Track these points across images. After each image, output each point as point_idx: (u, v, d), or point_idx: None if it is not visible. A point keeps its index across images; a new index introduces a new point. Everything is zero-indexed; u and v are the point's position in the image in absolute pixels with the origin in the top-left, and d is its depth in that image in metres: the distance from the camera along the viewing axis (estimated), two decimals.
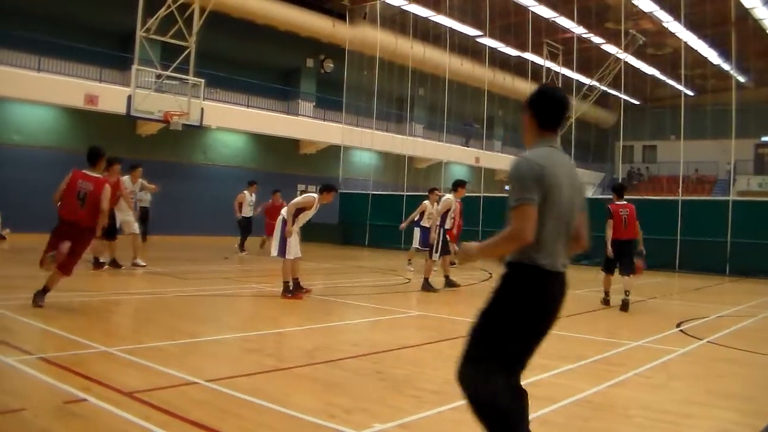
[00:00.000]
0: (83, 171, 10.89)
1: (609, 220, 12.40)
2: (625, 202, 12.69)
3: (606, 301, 12.76)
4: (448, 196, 14.37)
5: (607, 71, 37.90)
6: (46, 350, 6.61)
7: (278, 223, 11.80)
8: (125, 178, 15.41)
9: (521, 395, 3.98)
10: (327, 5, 33.28)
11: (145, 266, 15.27)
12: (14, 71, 22.65)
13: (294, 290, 11.66)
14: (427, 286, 13.71)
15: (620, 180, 36.77)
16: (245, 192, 21.36)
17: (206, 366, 6.49)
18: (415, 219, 18.53)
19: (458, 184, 14.72)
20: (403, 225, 19.25)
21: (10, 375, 5.79)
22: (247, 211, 21.27)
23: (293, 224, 11.48)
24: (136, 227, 15.48)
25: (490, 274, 18.58)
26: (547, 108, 3.89)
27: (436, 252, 14.06)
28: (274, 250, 11.70)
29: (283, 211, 11.83)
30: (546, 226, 3.64)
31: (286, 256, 11.48)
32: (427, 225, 18.51)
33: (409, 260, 18.79)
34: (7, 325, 7.97)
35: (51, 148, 24.46)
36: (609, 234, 12.37)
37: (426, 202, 18.56)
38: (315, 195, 11.85)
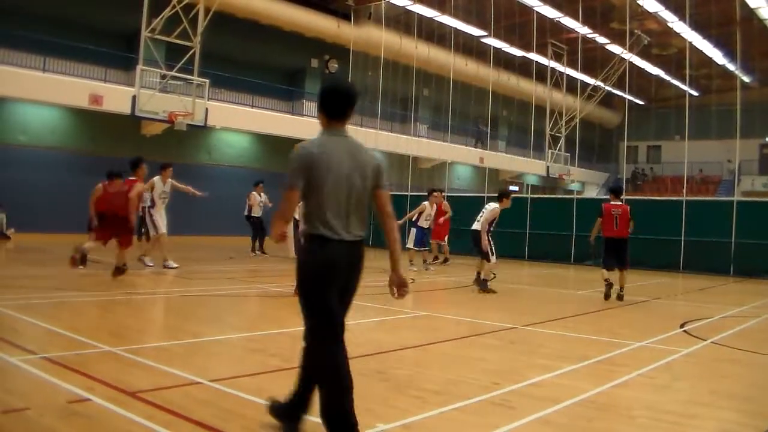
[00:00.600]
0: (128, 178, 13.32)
1: (599, 218, 13.56)
2: (619, 203, 13.60)
3: (608, 287, 13.32)
4: (495, 205, 14.52)
5: (612, 71, 37.85)
6: (50, 350, 6.62)
7: (290, 224, 11.81)
8: (156, 179, 15.50)
9: (342, 352, 4.49)
10: (332, 5, 33.30)
11: (177, 267, 15.40)
12: (19, 71, 22.68)
13: None
14: (484, 287, 14.03)
15: (624, 180, 36.67)
16: (254, 192, 21.25)
17: (210, 366, 6.50)
18: (413, 219, 18.67)
19: (505, 195, 14.86)
20: (400, 222, 19.23)
21: (14, 374, 5.80)
22: (257, 211, 21.13)
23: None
24: (163, 228, 15.50)
25: (494, 274, 18.56)
26: (329, 100, 4.46)
27: (493, 255, 14.24)
28: (291, 251, 11.86)
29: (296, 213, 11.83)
30: (323, 202, 4.27)
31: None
32: (425, 225, 18.61)
33: (411, 261, 18.81)
34: (12, 325, 7.99)
35: (55, 148, 24.52)
36: (595, 230, 13.69)
37: (425, 203, 18.66)
38: None
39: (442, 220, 20.00)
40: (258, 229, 21.20)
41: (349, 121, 4.57)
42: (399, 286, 4.80)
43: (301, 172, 4.23)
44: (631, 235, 13.66)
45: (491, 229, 14.35)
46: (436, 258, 20.39)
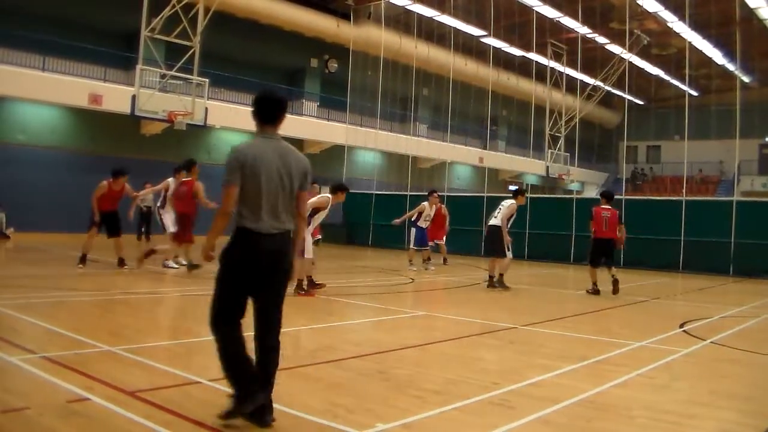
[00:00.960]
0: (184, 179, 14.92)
1: (591, 221, 14.52)
2: (609, 207, 14.39)
3: (595, 291, 14.16)
4: (512, 201, 14.67)
5: (612, 71, 37.88)
6: (49, 349, 6.61)
7: (305, 225, 11.87)
8: (170, 180, 15.53)
9: (241, 336, 4.85)
10: (331, 5, 33.32)
11: (182, 266, 15.42)
12: (19, 71, 22.70)
13: (308, 287, 11.97)
14: (502, 284, 14.42)
15: (624, 180, 36.69)
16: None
17: (209, 365, 6.47)
18: (413, 218, 18.71)
19: (520, 192, 15.22)
20: (398, 221, 19.39)
21: (13, 374, 5.80)
22: None
23: (309, 224, 11.61)
24: (172, 227, 15.50)
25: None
26: (262, 107, 5.01)
27: (509, 250, 14.56)
28: (309, 252, 11.94)
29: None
30: (252, 199, 4.73)
31: (306, 256, 11.71)
32: (424, 225, 18.63)
33: (410, 260, 18.83)
34: (11, 324, 7.99)
35: (55, 147, 24.52)
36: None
37: (425, 203, 18.68)
38: (329, 195, 12.13)
39: (447, 225, 20.48)
40: None
41: (279, 126, 5.03)
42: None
43: (237, 170, 4.72)
44: (627, 237, 14.67)
45: (509, 226, 14.61)
46: (428, 259, 20.28)
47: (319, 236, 15.36)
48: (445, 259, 20.82)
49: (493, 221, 14.58)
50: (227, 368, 4.78)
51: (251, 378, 4.70)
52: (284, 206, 4.86)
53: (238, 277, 4.78)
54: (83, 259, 14.35)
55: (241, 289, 4.80)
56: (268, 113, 5.00)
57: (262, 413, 4.66)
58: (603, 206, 14.38)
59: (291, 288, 11.52)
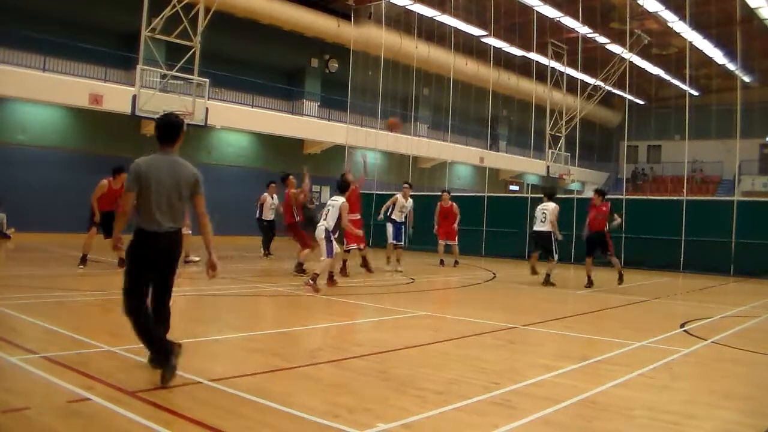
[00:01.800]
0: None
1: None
2: (602, 202, 15.95)
3: (590, 283, 15.42)
4: (555, 204, 16.01)
5: (612, 71, 37.84)
6: (49, 349, 6.62)
7: (323, 229, 12.92)
8: None
9: (148, 314, 5.91)
10: (332, 5, 33.32)
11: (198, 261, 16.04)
12: (19, 71, 22.70)
13: (330, 279, 13.65)
14: (547, 281, 15.53)
15: (624, 180, 36.62)
16: (266, 194, 20.38)
17: (210, 366, 6.50)
18: (388, 212, 18.43)
19: (556, 193, 17.01)
20: (380, 215, 19.15)
21: (14, 374, 5.81)
22: (269, 215, 20.33)
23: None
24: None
25: (494, 274, 18.57)
26: (158, 131, 6.04)
27: (557, 253, 15.82)
28: (323, 254, 12.70)
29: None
30: (147, 205, 5.79)
31: (333, 255, 12.94)
32: (398, 219, 18.47)
33: (388, 258, 18.60)
34: (12, 324, 7.99)
35: (55, 147, 24.52)
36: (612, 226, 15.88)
37: (398, 194, 18.57)
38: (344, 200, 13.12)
39: (456, 225, 20.57)
40: (269, 231, 20.56)
41: (177, 145, 6.08)
42: (211, 268, 6.13)
43: (135, 180, 5.79)
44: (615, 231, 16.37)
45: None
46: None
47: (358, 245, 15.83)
48: (456, 261, 20.45)
49: (540, 226, 15.69)
50: (143, 339, 5.81)
51: (163, 340, 5.82)
52: (173, 210, 5.91)
53: (139, 268, 5.83)
54: (84, 260, 14.36)
55: (142, 277, 5.84)
56: (162, 135, 6.02)
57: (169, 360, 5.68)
58: (596, 203, 15.98)
59: (282, 288, 11.58)
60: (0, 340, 6.92)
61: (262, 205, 20.38)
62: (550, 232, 15.49)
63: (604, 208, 15.80)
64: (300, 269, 15.46)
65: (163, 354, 5.71)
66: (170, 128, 6.06)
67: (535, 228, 15.92)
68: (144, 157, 5.91)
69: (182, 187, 5.93)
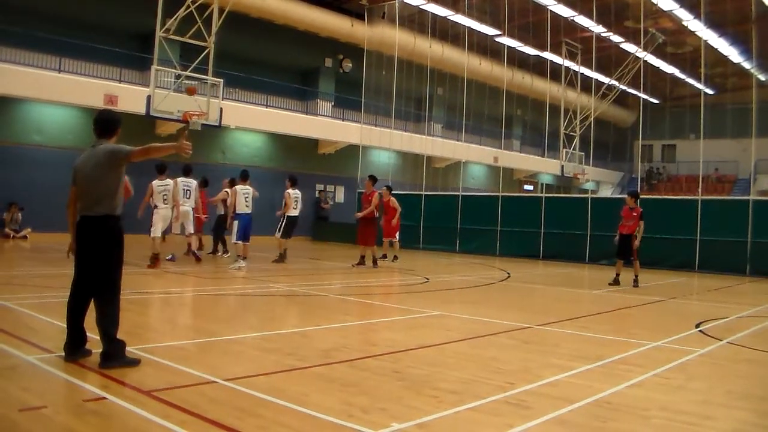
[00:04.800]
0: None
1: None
2: (635, 206, 15.95)
3: (615, 281, 15.95)
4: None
5: (626, 70, 37.70)
6: None
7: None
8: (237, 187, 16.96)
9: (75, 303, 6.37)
10: (346, 5, 33.34)
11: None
12: (35, 72, 22.84)
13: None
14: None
15: (639, 180, 36.55)
16: (289, 190, 19.91)
17: (225, 365, 6.52)
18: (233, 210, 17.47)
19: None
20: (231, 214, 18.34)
21: (30, 373, 5.85)
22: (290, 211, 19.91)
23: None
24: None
25: (509, 273, 18.54)
26: (94, 124, 6.67)
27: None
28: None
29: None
30: (78, 194, 6.43)
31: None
32: (246, 211, 18.30)
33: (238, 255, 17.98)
34: (29, 324, 8.05)
35: (71, 148, 24.57)
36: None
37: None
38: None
39: (395, 220, 20.64)
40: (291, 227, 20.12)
41: (111, 137, 6.61)
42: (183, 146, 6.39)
43: (73, 172, 6.56)
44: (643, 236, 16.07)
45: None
46: (384, 256, 20.39)
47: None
48: (395, 257, 20.66)
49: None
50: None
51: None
52: (96, 195, 6.27)
53: (77, 255, 6.46)
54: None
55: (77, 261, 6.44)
56: (95, 128, 6.64)
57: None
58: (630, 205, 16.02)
59: (297, 288, 11.58)
60: (17, 339, 6.97)
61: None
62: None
63: (635, 213, 15.85)
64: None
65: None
66: (95, 122, 6.68)
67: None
68: (84, 152, 6.65)
69: (96, 166, 6.32)
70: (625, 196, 16.98)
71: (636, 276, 15.98)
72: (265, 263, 18.08)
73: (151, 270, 14.87)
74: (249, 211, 16.71)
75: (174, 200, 16.54)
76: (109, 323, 6.12)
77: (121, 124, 6.73)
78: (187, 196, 17.06)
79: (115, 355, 6.02)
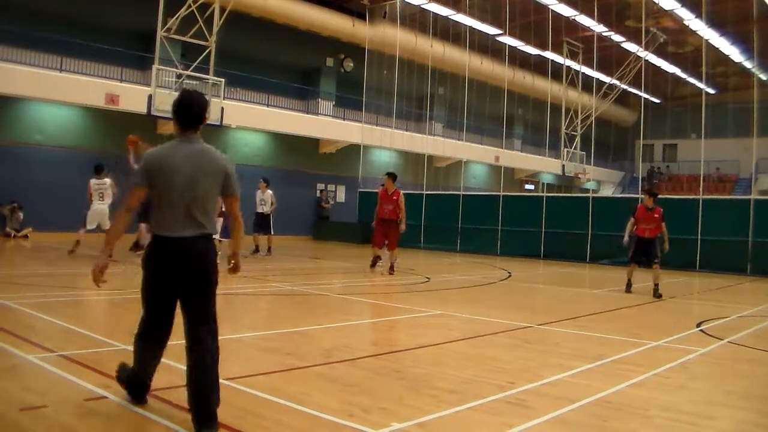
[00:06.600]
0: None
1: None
2: (654, 206, 14.12)
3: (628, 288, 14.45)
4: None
5: (628, 69, 37.71)
6: (67, 348, 6.66)
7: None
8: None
9: (155, 344, 5.00)
10: (347, 4, 33.32)
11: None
12: (36, 71, 22.85)
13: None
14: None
15: (639, 179, 36.54)
16: (269, 191, 20.23)
17: (225, 365, 6.48)
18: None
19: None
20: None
21: (31, 372, 5.85)
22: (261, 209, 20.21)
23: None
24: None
25: (509, 273, 18.54)
26: (178, 111, 4.76)
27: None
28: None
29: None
30: (161, 206, 4.65)
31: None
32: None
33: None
34: (30, 323, 8.05)
35: (72, 147, 24.66)
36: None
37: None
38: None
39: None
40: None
41: (200, 129, 4.82)
42: (234, 268, 5.26)
43: (146, 173, 4.64)
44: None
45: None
46: (379, 258, 19.38)
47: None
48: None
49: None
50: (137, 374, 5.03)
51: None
52: (196, 210, 4.65)
53: (152, 285, 4.80)
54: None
55: (158, 296, 4.81)
56: (183, 117, 4.77)
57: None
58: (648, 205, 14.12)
59: (297, 288, 11.58)
60: (18, 338, 6.97)
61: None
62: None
63: (656, 215, 13.94)
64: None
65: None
66: (185, 107, 4.77)
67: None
68: (160, 146, 4.78)
69: (204, 182, 4.67)
70: (643, 195, 15.19)
71: (657, 284, 13.78)
72: (266, 262, 18.08)
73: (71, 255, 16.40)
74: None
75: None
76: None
77: None
78: (101, 197, 17.40)
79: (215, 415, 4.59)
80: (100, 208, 17.16)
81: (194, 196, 4.64)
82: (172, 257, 4.65)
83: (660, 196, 15.14)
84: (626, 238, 14.24)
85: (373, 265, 16.97)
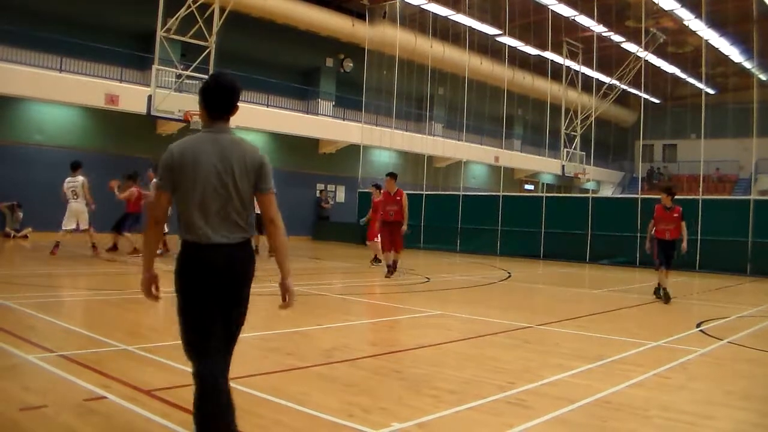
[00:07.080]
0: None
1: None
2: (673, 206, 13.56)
3: (666, 297, 13.09)
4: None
5: (627, 70, 37.70)
6: (66, 348, 6.66)
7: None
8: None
9: (211, 387, 4.16)
10: (346, 5, 33.31)
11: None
12: (36, 71, 22.85)
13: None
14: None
15: (639, 179, 36.55)
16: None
17: None
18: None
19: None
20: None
21: (31, 372, 5.85)
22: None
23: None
24: None
25: (509, 273, 18.53)
26: (209, 96, 4.02)
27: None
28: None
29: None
30: (188, 207, 3.90)
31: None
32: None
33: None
34: (30, 323, 8.04)
35: (72, 147, 24.63)
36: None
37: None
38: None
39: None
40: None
41: (230, 118, 4.13)
42: (286, 293, 4.59)
43: (167, 173, 3.91)
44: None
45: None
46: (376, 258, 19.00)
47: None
48: (377, 258, 20.20)
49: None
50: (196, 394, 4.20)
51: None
52: (229, 211, 3.97)
53: (191, 299, 4.02)
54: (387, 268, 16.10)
55: (200, 310, 4.05)
56: (215, 103, 4.04)
57: None
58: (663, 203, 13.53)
59: (297, 287, 11.58)
60: (18, 338, 6.97)
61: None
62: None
63: (675, 214, 13.37)
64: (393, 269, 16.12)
65: None
66: (217, 92, 4.04)
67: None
68: (183, 139, 4.02)
69: (239, 178, 3.99)
70: (661, 195, 14.29)
71: (665, 288, 13.19)
72: (266, 262, 18.06)
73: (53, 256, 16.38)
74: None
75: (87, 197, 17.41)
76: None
77: None
78: (74, 195, 17.43)
79: None
80: (74, 207, 17.21)
81: (229, 195, 3.93)
82: (210, 269, 3.94)
83: (659, 196, 14.82)
84: (648, 244, 13.78)
85: (378, 261, 17.60)
